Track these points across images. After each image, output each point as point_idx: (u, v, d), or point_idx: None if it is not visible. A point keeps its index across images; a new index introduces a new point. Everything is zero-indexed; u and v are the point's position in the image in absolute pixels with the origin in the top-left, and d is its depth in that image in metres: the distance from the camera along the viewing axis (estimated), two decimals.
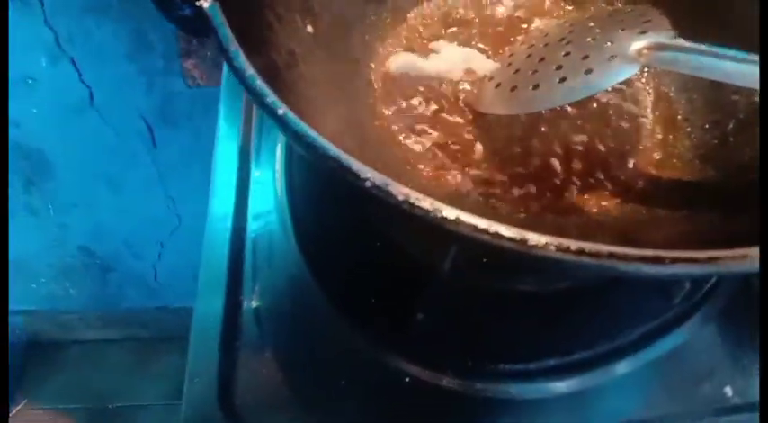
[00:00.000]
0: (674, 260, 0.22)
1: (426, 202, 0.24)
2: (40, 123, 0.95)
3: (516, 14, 0.49)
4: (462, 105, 0.44)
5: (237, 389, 0.39)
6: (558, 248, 0.22)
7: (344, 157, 0.25)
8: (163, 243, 1.20)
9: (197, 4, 0.29)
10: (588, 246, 0.22)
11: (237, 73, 0.26)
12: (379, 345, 0.41)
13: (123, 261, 1.23)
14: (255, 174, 0.50)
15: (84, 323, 1.37)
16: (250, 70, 0.26)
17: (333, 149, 0.25)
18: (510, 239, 0.23)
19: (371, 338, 0.42)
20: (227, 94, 0.55)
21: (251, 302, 0.43)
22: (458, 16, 0.48)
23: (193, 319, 0.42)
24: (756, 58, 0.32)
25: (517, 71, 0.41)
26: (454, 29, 0.48)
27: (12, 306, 1.31)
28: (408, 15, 0.48)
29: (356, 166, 0.24)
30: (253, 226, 0.47)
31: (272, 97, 0.26)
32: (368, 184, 0.24)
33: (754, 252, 0.23)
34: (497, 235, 0.23)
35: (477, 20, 0.49)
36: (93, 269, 1.25)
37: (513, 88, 0.40)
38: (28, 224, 1.12)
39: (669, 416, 0.39)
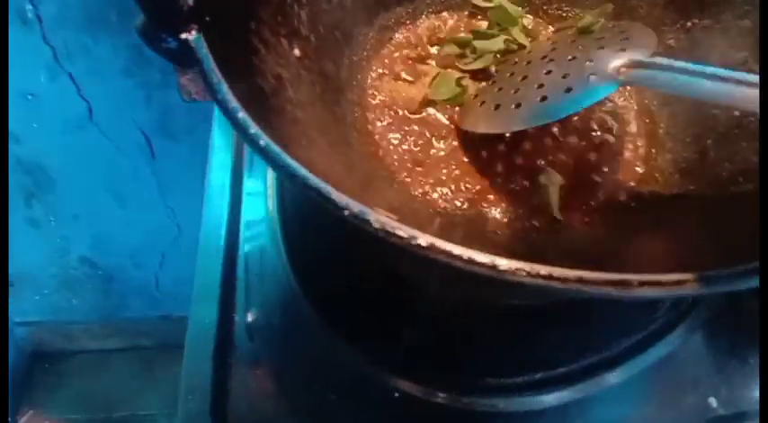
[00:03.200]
0: (642, 283, 0.23)
1: (402, 231, 0.24)
2: (40, 138, 0.96)
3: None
4: (448, 123, 0.44)
5: (230, 403, 0.40)
6: (529, 274, 0.23)
7: (324, 187, 0.25)
8: (164, 253, 1.21)
9: (182, 37, 0.30)
10: (557, 271, 0.23)
11: (221, 105, 0.27)
12: (369, 360, 0.42)
13: (125, 271, 1.25)
14: (248, 185, 0.51)
15: (88, 333, 1.38)
16: (233, 102, 0.27)
17: (312, 179, 0.26)
18: (482, 265, 0.24)
19: (361, 353, 0.42)
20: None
21: (244, 317, 0.44)
22: (443, 36, 0.49)
23: (187, 335, 0.43)
24: (733, 74, 0.33)
25: (500, 89, 0.42)
26: (440, 48, 0.49)
27: (16, 318, 1.32)
28: (395, 35, 0.49)
29: (335, 194, 0.25)
30: (245, 238, 0.48)
31: (254, 128, 0.27)
32: (346, 212, 0.25)
33: (718, 273, 0.24)
34: (471, 261, 0.24)
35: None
36: (96, 280, 1.26)
37: (497, 107, 0.41)
38: (30, 237, 1.13)
39: None
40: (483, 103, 0.43)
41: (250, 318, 0.44)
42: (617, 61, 0.37)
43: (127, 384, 1.38)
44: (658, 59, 0.36)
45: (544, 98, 0.38)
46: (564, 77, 0.38)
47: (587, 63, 0.38)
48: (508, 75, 0.43)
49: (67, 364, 1.40)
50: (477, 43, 0.47)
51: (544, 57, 0.42)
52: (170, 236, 1.17)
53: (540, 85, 0.39)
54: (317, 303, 0.44)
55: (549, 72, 0.40)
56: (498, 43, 0.46)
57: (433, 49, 0.49)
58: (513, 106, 0.39)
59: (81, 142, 0.97)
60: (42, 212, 1.09)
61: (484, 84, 0.46)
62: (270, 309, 0.45)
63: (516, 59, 0.45)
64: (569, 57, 0.40)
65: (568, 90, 0.38)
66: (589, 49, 0.40)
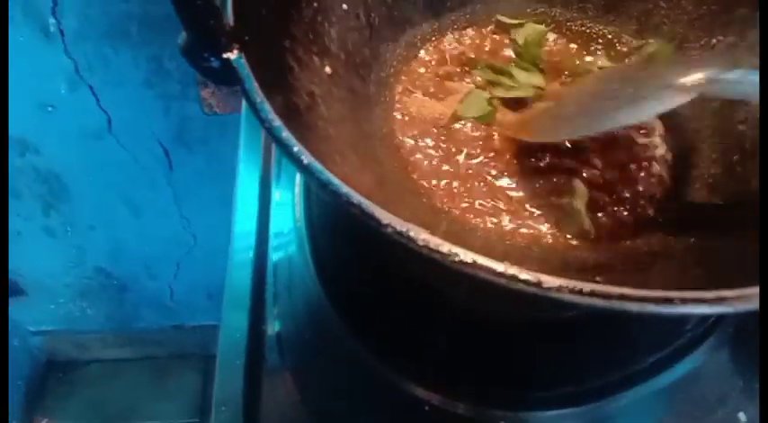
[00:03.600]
0: (684, 300, 0.24)
1: (444, 247, 0.25)
2: (59, 149, 0.97)
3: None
4: (476, 139, 0.45)
5: (262, 415, 0.40)
6: (572, 291, 0.24)
7: (367, 204, 0.26)
8: (178, 263, 1.22)
9: (224, 56, 0.30)
10: (599, 288, 0.24)
11: (264, 123, 0.28)
12: (398, 373, 0.42)
13: (139, 281, 1.25)
14: (276, 197, 0.52)
15: (102, 343, 1.39)
16: (276, 121, 0.28)
17: (356, 196, 0.26)
18: (525, 282, 0.24)
19: (389, 365, 0.43)
20: (248, 121, 0.57)
21: (273, 328, 0.45)
22: (471, 55, 0.50)
23: (219, 347, 0.44)
24: None
25: (572, 102, 0.43)
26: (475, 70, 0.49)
27: (30, 327, 1.33)
28: (421, 52, 0.49)
29: (378, 212, 0.26)
30: (274, 249, 0.49)
31: (297, 146, 0.27)
32: (389, 229, 0.26)
33: (755, 291, 0.24)
34: (514, 278, 0.24)
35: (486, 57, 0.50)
36: (110, 290, 1.27)
37: (569, 116, 0.42)
38: (47, 246, 1.14)
39: None
40: (553, 113, 0.43)
41: (280, 329, 0.44)
42: (694, 76, 0.37)
43: (140, 393, 1.39)
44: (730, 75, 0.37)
45: (617, 107, 0.39)
46: (636, 90, 0.39)
47: (657, 79, 0.39)
48: (577, 94, 0.44)
49: (81, 373, 1.41)
50: (517, 73, 0.47)
51: (611, 81, 0.43)
52: (185, 246, 1.18)
53: (615, 97, 0.40)
54: (344, 314, 0.44)
55: (616, 88, 0.41)
56: (539, 79, 0.47)
57: (458, 67, 0.49)
58: (582, 114, 0.40)
59: (99, 153, 0.98)
60: (59, 222, 1.10)
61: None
62: (299, 320, 0.45)
63: (583, 86, 0.46)
64: (637, 78, 0.41)
65: (642, 98, 0.38)
66: (655, 73, 0.41)
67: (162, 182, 1.05)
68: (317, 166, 0.27)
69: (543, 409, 0.41)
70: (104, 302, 1.30)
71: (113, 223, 1.12)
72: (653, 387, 0.41)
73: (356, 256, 0.49)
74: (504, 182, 0.43)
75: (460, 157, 0.44)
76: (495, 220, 0.41)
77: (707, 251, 0.37)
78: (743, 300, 0.24)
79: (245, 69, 0.30)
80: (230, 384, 0.41)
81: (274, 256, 0.49)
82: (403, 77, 0.47)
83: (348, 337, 0.44)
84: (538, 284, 0.24)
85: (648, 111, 0.39)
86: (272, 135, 0.28)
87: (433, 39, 0.50)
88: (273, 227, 0.50)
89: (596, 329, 0.43)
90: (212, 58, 0.31)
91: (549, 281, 0.24)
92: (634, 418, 0.41)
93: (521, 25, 0.51)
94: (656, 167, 0.43)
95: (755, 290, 0.24)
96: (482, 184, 0.43)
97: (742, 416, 0.40)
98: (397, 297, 0.46)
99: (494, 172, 0.43)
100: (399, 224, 0.25)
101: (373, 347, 0.44)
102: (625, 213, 0.41)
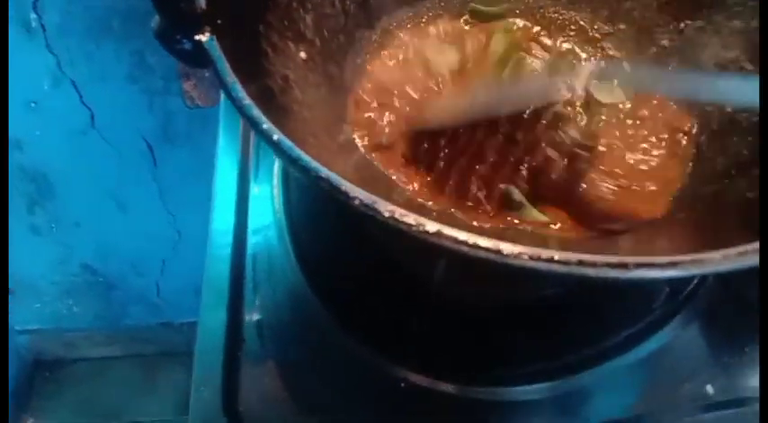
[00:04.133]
0: (638, 265, 0.24)
1: (410, 218, 0.26)
2: (43, 145, 0.97)
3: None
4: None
5: (241, 396, 0.41)
6: (531, 258, 0.24)
7: (335, 178, 0.27)
8: (164, 259, 1.21)
9: (195, 38, 0.31)
10: (558, 254, 0.24)
11: (235, 102, 0.28)
12: (379, 354, 0.43)
13: (126, 278, 1.25)
14: (254, 190, 0.52)
15: (89, 341, 1.38)
16: (246, 100, 0.28)
17: (324, 171, 0.27)
18: (486, 249, 0.25)
19: (371, 348, 0.44)
20: (226, 114, 0.57)
21: (252, 316, 0.45)
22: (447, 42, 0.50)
23: (198, 332, 0.44)
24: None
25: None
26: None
27: (17, 326, 1.32)
28: (397, 38, 0.50)
29: (346, 186, 0.26)
30: (252, 241, 0.49)
31: (267, 124, 0.28)
32: (357, 202, 0.26)
33: (710, 256, 0.25)
34: (475, 246, 0.25)
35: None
36: (97, 287, 1.26)
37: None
38: (32, 244, 1.14)
39: (653, 414, 0.41)
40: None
41: (259, 316, 0.45)
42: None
43: (128, 392, 1.38)
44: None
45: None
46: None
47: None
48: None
49: (69, 371, 1.40)
50: None
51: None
52: (170, 242, 1.18)
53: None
54: (325, 299, 0.45)
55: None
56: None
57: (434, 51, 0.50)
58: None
59: (83, 149, 0.98)
60: (44, 220, 1.10)
61: None
62: (279, 307, 0.46)
63: None
64: None
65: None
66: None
67: (147, 178, 1.05)
68: (287, 142, 0.28)
69: (521, 384, 0.42)
70: (91, 300, 1.29)
71: (99, 220, 1.12)
72: (625, 361, 0.42)
73: (336, 244, 0.50)
74: (477, 168, 0.43)
75: (435, 144, 0.44)
76: (471, 205, 0.41)
77: (677, 226, 0.38)
78: (695, 264, 0.25)
79: (216, 51, 0.30)
80: (210, 367, 0.42)
81: (254, 249, 0.49)
82: (379, 64, 0.48)
83: (330, 322, 0.45)
84: (498, 252, 0.25)
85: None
86: (243, 114, 0.28)
87: (409, 26, 0.51)
88: (252, 219, 0.51)
89: (570, 306, 0.44)
90: (185, 41, 0.31)
91: (509, 248, 0.25)
92: (608, 391, 0.42)
93: (498, 16, 0.51)
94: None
95: (708, 255, 0.25)
96: (455, 170, 0.43)
97: (710, 388, 0.41)
98: (377, 281, 0.47)
99: (468, 158, 0.44)
100: (366, 197, 0.26)
101: (355, 331, 0.44)
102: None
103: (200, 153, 1.01)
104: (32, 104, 0.91)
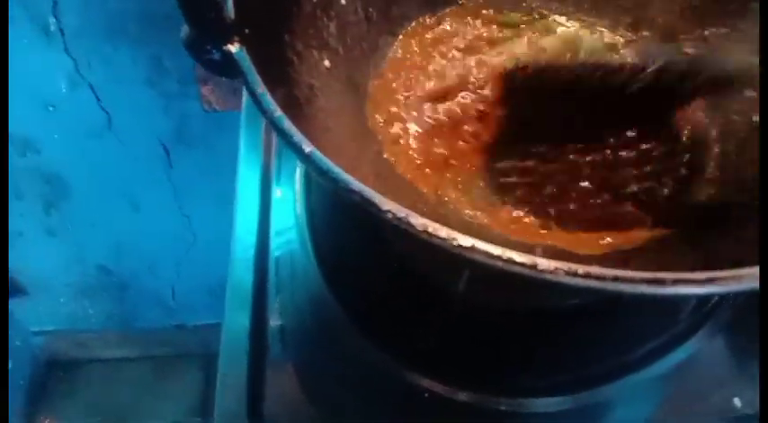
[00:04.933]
0: (675, 281, 0.24)
1: (443, 232, 0.25)
2: (60, 148, 0.98)
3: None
4: (471, 134, 0.45)
5: (266, 402, 0.41)
6: (567, 273, 0.24)
7: (367, 191, 0.27)
8: (179, 261, 1.22)
9: (225, 48, 0.31)
10: (594, 270, 0.24)
11: (266, 114, 0.28)
12: (398, 361, 0.43)
13: (141, 280, 1.26)
14: (277, 194, 0.52)
15: (103, 342, 1.39)
16: (278, 112, 0.28)
17: (355, 184, 0.27)
18: (522, 264, 0.25)
19: (391, 355, 0.43)
20: (248, 118, 0.57)
21: (276, 320, 0.45)
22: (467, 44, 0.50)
23: (222, 336, 0.44)
24: None
25: None
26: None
27: (31, 327, 1.33)
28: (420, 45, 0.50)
29: (378, 198, 0.26)
30: (275, 245, 0.49)
31: (298, 136, 0.28)
32: (389, 215, 0.26)
33: (749, 272, 0.24)
34: (510, 261, 0.25)
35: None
36: (112, 289, 1.27)
37: None
38: (47, 245, 1.15)
39: None
40: None
41: (282, 320, 0.45)
42: None
43: (141, 393, 1.39)
44: None
45: None
46: None
47: None
48: None
49: (82, 372, 1.41)
50: None
51: None
52: (185, 244, 1.18)
53: None
54: (345, 304, 0.45)
55: None
56: None
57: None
58: None
59: (100, 152, 0.99)
60: (60, 221, 1.11)
61: None
62: (302, 312, 0.46)
63: None
64: None
65: None
66: None
67: (162, 179, 1.05)
68: (319, 154, 0.28)
69: (542, 396, 0.41)
70: (106, 301, 1.30)
71: (114, 222, 1.13)
72: (649, 374, 0.42)
73: (357, 249, 0.49)
74: (501, 177, 0.43)
75: (459, 152, 0.44)
76: (491, 215, 0.41)
77: (703, 238, 0.37)
78: (734, 280, 0.25)
79: (246, 62, 0.30)
80: (234, 371, 0.42)
81: (276, 252, 0.49)
82: (402, 71, 0.48)
83: (350, 328, 0.45)
84: (533, 267, 0.24)
85: None
86: (274, 125, 0.28)
87: (430, 32, 0.50)
88: (275, 223, 0.51)
89: (594, 318, 0.43)
90: (214, 51, 0.31)
91: (545, 263, 0.24)
92: (631, 405, 0.42)
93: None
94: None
95: (747, 270, 0.25)
96: (479, 179, 0.43)
97: (737, 401, 0.41)
98: (398, 288, 0.47)
99: (492, 167, 0.44)
100: (398, 210, 0.26)
101: (375, 338, 0.44)
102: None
103: (215, 155, 1.01)
104: (50, 107, 0.92)
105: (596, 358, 0.42)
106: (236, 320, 0.45)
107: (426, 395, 0.41)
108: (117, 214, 1.11)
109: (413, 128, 0.45)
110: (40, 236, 1.12)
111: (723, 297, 0.45)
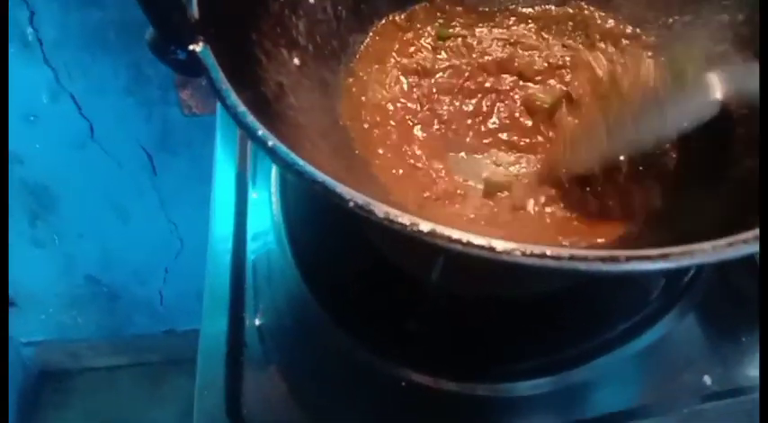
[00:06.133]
0: (629, 258, 0.25)
1: (405, 218, 0.26)
2: (43, 158, 0.98)
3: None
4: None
5: (244, 400, 0.41)
6: (524, 254, 0.25)
7: (330, 182, 0.27)
8: (167, 268, 1.22)
9: (189, 48, 0.31)
10: (550, 250, 0.25)
11: (229, 110, 0.29)
12: (378, 354, 0.43)
13: (129, 288, 1.26)
14: (253, 196, 0.53)
15: (94, 351, 1.39)
16: (241, 107, 0.29)
17: (319, 175, 0.28)
18: (480, 247, 0.25)
19: (370, 348, 0.44)
20: (223, 121, 0.58)
21: (254, 320, 0.46)
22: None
23: (200, 338, 0.45)
24: None
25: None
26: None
27: (22, 338, 1.33)
28: (387, 43, 0.51)
29: (340, 188, 0.27)
30: (252, 246, 0.50)
31: (262, 131, 0.28)
32: (351, 204, 0.27)
33: (701, 247, 0.25)
34: (469, 244, 0.26)
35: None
36: (101, 298, 1.27)
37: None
38: (35, 257, 1.14)
39: (652, 405, 0.41)
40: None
41: (260, 320, 0.45)
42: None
43: (134, 400, 1.39)
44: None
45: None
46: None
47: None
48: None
49: (75, 382, 1.41)
50: None
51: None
52: (173, 250, 1.18)
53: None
54: (324, 301, 0.45)
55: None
56: None
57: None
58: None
59: (83, 161, 0.99)
60: (47, 232, 1.11)
61: None
62: (279, 310, 0.46)
63: None
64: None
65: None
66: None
67: (147, 187, 1.05)
68: (282, 148, 0.28)
69: (521, 380, 0.42)
70: (95, 310, 1.30)
71: (101, 231, 1.13)
72: (623, 354, 0.43)
73: (334, 246, 0.50)
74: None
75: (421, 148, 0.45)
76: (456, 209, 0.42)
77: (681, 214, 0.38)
78: (686, 256, 0.25)
79: (210, 59, 0.31)
80: (212, 371, 0.42)
81: (254, 254, 0.50)
82: (370, 68, 0.49)
83: (329, 325, 0.45)
84: (491, 249, 0.25)
85: (674, 129, 0.40)
86: (238, 120, 0.29)
87: (400, 30, 0.51)
88: (252, 225, 0.51)
89: (568, 302, 0.44)
90: (179, 51, 0.32)
91: (501, 245, 0.25)
92: (607, 384, 0.42)
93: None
94: None
95: (698, 246, 0.26)
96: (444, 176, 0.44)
97: (707, 378, 0.42)
98: (375, 282, 0.47)
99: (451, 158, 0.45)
100: (360, 199, 0.27)
101: (354, 332, 0.45)
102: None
103: (199, 161, 1.01)
104: (32, 118, 0.92)
105: (572, 340, 0.43)
106: (214, 324, 0.45)
107: (403, 384, 0.42)
108: (103, 223, 1.11)
109: (385, 123, 0.46)
110: (27, 247, 1.12)
111: (693, 278, 0.46)
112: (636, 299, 0.45)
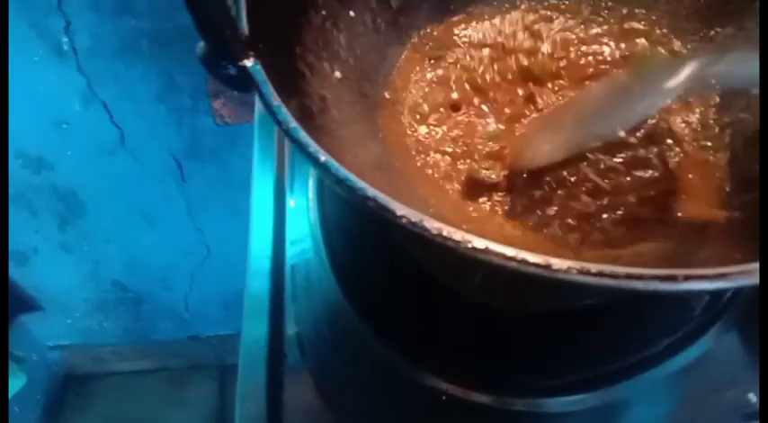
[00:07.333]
0: (687, 277, 0.25)
1: (458, 235, 0.26)
2: (74, 165, 0.99)
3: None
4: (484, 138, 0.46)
5: (285, 410, 0.42)
6: (580, 272, 0.25)
7: (382, 197, 0.27)
8: (193, 274, 1.23)
9: (240, 64, 0.32)
10: (607, 268, 0.25)
11: (281, 126, 0.29)
12: (415, 365, 0.43)
13: (155, 293, 1.27)
14: (290, 204, 0.53)
15: (119, 356, 1.41)
16: (293, 123, 0.29)
17: (371, 190, 0.28)
18: (536, 265, 0.25)
19: (407, 359, 0.44)
20: (261, 130, 0.58)
21: (293, 328, 0.46)
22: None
23: (240, 346, 0.45)
24: None
25: (563, 118, 0.45)
26: None
27: (48, 342, 1.35)
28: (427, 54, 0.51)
29: (393, 204, 0.27)
30: (290, 254, 0.50)
31: (313, 147, 0.29)
32: (404, 220, 0.27)
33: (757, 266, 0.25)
34: (524, 261, 0.25)
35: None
36: (127, 303, 1.28)
37: (564, 131, 0.43)
38: (63, 262, 1.16)
39: None
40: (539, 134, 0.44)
41: (298, 329, 0.46)
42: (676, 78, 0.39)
43: (157, 405, 1.40)
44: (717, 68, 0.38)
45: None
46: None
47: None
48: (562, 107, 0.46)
49: (99, 386, 1.43)
50: None
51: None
52: (199, 257, 1.20)
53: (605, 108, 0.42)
54: (361, 311, 0.46)
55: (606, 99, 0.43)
56: None
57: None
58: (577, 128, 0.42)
59: (113, 168, 1.00)
60: (75, 238, 1.12)
61: None
62: (317, 319, 0.46)
63: None
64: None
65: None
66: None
67: (175, 194, 1.07)
68: (334, 163, 0.28)
69: (559, 395, 0.42)
70: (121, 315, 1.32)
71: (128, 237, 1.14)
72: (665, 371, 0.42)
73: (372, 256, 0.50)
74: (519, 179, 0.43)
75: (469, 158, 0.45)
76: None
77: (719, 236, 0.38)
78: (744, 275, 0.25)
79: (261, 75, 0.31)
80: (253, 381, 0.43)
81: (291, 261, 0.50)
82: (409, 79, 0.49)
83: (367, 334, 0.45)
84: (547, 267, 0.25)
85: (638, 116, 0.40)
86: (290, 136, 0.29)
87: (439, 42, 0.51)
88: (289, 233, 0.52)
89: (608, 317, 0.44)
90: (229, 66, 0.32)
91: (558, 263, 0.25)
92: (648, 401, 0.42)
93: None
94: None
95: (755, 265, 0.25)
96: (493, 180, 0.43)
97: (752, 396, 0.41)
98: (414, 293, 0.47)
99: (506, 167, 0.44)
100: (413, 215, 0.27)
101: (392, 343, 0.45)
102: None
103: (227, 169, 1.03)
104: (64, 125, 0.93)
105: (611, 356, 0.43)
106: (254, 330, 0.46)
107: (444, 398, 0.42)
108: (131, 229, 1.12)
109: (425, 137, 0.46)
110: (56, 252, 1.14)
111: (736, 293, 0.45)
112: (679, 314, 0.44)
